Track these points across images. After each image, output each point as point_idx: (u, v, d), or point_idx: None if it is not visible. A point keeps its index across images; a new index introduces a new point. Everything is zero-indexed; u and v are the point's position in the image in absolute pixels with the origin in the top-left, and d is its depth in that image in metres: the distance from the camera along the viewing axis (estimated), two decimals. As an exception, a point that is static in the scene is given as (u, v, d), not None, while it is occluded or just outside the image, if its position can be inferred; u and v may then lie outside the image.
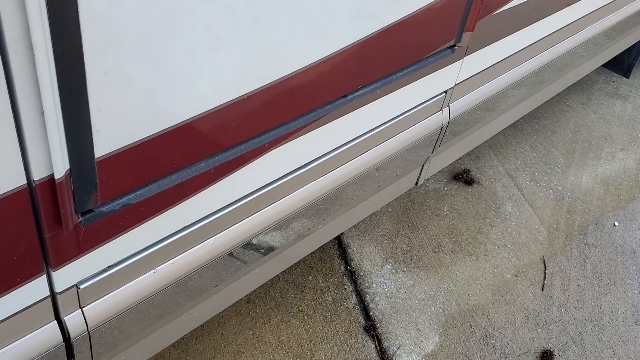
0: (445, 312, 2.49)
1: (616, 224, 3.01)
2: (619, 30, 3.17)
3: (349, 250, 2.67)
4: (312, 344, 2.30)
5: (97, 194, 1.18)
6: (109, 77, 1.07)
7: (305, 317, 2.39)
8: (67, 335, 1.35)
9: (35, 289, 1.21)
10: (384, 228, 2.79)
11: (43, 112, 1.00)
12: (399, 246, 2.72)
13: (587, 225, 2.97)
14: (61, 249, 1.20)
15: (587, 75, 4.05)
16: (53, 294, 1.27)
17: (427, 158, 2.29)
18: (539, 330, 2.48)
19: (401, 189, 2.34)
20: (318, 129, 1.62)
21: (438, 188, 3.04)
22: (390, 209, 2.88)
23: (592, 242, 2.89)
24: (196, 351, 2.22)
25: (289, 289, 2.48)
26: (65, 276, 1.25)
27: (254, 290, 2.44)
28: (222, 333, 2.29)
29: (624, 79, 4.05)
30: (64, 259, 1.22)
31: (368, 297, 2.50)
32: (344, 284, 2.53)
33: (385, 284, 2.56)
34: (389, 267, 2.63)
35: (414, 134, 2.05)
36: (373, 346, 2.33)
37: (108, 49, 1.04)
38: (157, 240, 1.41)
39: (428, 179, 3.07)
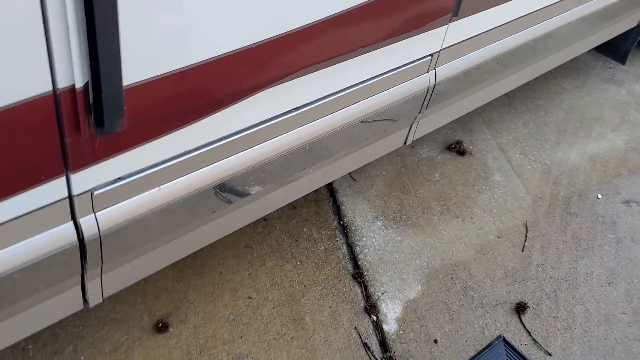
0: (429, 265, 2.68)
1: (599, 196, 3.17)
2: (611, 14, 3.32)
3: (343, 207, 2.87)
4: (303, 285, 2.51)
5: (123, 119, 1.39)
6: (139, 15, 1.24)
7: (298, 262, 2.60)
8: (81, 237, 1.56)
9: (55, 188, 1.43)
10: (377, 189, 2.99)
11: (68, 28, 1.22)
12: (390, 206, 2.92)
13: (571, 197, 3.14)
14: (79, 154, 1.41)
15: (584, 61, 4.21)
16: (70, 196, 1.48)
17: (415, 118, 2.48)
18: (516, 285, 2.66)
19: (390, 145, 2.53)
20: (308, 75, 1.82)
21: (431, 156, 3.23)
22: (384, 173, 3.08)
23: (575, 211, 3.06)
24: (197, 285, 2.43)
25: (285, 237, 2.68)
26: (82, 180, 1.47)
27: (252, 236, 2.65)
28: (221, 272, 2.50)
29: (621, 66, 4.20)
30: (81, 164, 1.44)
31: (358, 249, 2.70)
32: (336, 237, 2.73)
33: (374, 238, 2.75)
34: (379, 223, 2.82)
35: (401, 92, 2.24)
36: (359, 291, 2.53)
37: None
38: (163, 159, 1.62)
39: (422, 146, 3.26)
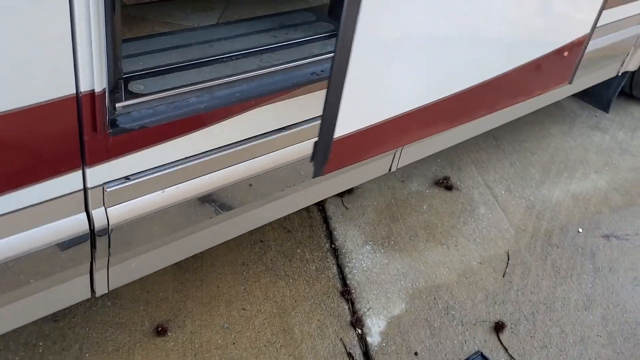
0: (413, 286, 2.86)
1: (580, 230, 3.36)
2: (590, 63, 3.59)
3: (335, 232, 3.08)
4: (294, 300, 2.70)
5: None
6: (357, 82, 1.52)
7: (291, 280, 2.79)
8: (92, 227, 1.79)
9: (73, 180, 1.67)
10: (368, 217, 3.20)
11: (92, 46, 1.49)
12: (379, 232, 3.12)
13: (553, 230, 3.33)
14: (95, 150, 1.66)
15: (571, 109, 4.48)
16: (85, 189, 1.72)
17: (399, 148, 2.72)
18: (495, 307, 2.82)
19: (376, 171, 2.76)
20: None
21: (420, 190, 3.45)
22: (375, 203, 3.30)
23: (556, 243, 3.25)
24: (195, 297, 2.63)
25: (279, 257, 2.89)
26: (96, 175, 1.71)
27: (249, 255, 2.86)
28: (218, 286, 2.70)
29: (606, 114, 4.45)
30: (96, 160, 1.68)
31: (347, 270, 2.89)
32: (327, 258, 2.93)
33: (363, 260, 2.95)
34: (369, 248, 3.03)
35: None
36: (347, 307, 2.71)
37: None
38: (168, 162, 1.86)
39: (412, 181, 3.49)
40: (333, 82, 1.51)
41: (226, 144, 2.00)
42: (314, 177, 1.69)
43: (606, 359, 2.66)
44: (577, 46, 2.36)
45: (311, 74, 2.11)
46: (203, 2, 2.47)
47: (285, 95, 2.04)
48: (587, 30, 2.41)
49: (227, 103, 1.90)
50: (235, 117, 1.95)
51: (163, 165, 1.87)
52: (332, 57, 1.50)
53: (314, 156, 1.63)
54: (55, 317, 2.45)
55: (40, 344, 2.35)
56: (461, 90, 1.99)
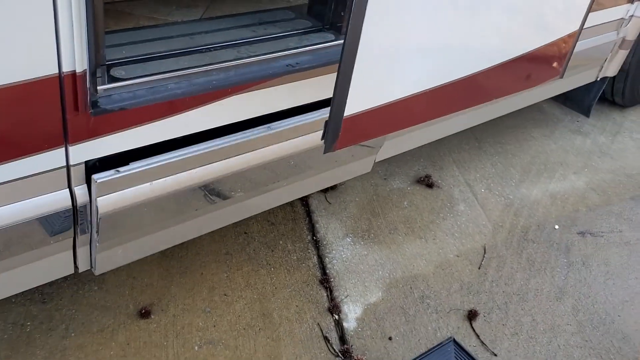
0: (391, 276, 2.96)
1: (556, 227, 3.46)
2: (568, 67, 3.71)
3: (317, 225, 3.19)
4: (274, 287, 2.80)
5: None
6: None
7: (272, 269, 2.90)
8: (74, 204, 1.91)
9: (57, 156, 1.79)
10: (350, 212, 3.31)
11: (73, 25, 1.62)
12: (360, 226, 3.23)
13: (530, 226, 3.43)
14: (77, 129, 1.78)
15: (553, 114, 4.60)
16: (68, 166, 1.84)
17: (379, 146, 2.84)
18: (470, 296, 2.92)
19: (356, 171, 2.88)
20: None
21: (402, 187, 3.57)
22: (357, 199, 3.41)
23: (532, 238, 3.35)
24: (179, 283, 2.74)
25: (262, 248, 3.00)
26: (78, 153, 1.83)
27: (232, 246, 2.97)
28: (201, 273, 2.81)
29: (588, 119, 4.57)
30: (78, 138, 1.80)
31: (327, 260, 2.99)
32: (309, 249, 3.04)
33: (343, 251, 3.06)
34: (349, 240, 3.13)
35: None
36: (325, 294, 2.81)
37: None
38: (146, 144, 1.98)
39: (394, 179, 3.61)
40: (344, 63, 1.62)
41: (204, 129, 2.12)
42: (324, 153, 1.79)
43: (574, 345, 2.75)
44: (567, 42, 2.46)
45: (287, 66, 2.24)
46: None
47: (260, 85, 2.16)
48: (577, 26, 2.52)
49: (204, 90, 2.03)
50: (212, 104, 2.07)
51: (147, 145, 1.98)
52: (343, 41, 1.62)
53: (325, 134, 1.74)
54: (43, 300, 2.56)
55: (28, 323, 2.45)
56: (462, 77, 2.09)
